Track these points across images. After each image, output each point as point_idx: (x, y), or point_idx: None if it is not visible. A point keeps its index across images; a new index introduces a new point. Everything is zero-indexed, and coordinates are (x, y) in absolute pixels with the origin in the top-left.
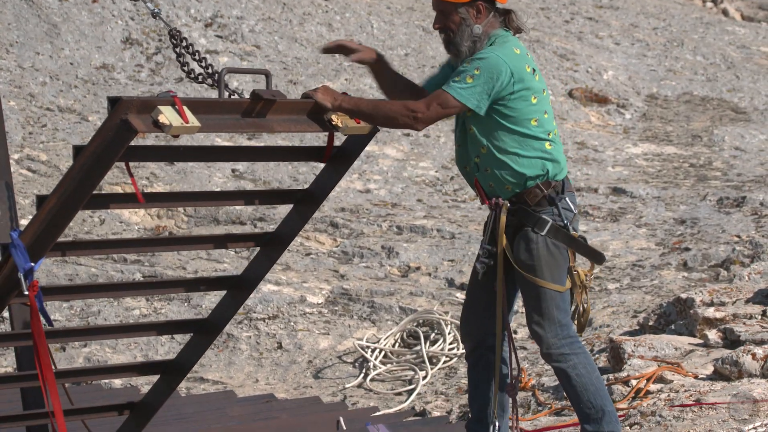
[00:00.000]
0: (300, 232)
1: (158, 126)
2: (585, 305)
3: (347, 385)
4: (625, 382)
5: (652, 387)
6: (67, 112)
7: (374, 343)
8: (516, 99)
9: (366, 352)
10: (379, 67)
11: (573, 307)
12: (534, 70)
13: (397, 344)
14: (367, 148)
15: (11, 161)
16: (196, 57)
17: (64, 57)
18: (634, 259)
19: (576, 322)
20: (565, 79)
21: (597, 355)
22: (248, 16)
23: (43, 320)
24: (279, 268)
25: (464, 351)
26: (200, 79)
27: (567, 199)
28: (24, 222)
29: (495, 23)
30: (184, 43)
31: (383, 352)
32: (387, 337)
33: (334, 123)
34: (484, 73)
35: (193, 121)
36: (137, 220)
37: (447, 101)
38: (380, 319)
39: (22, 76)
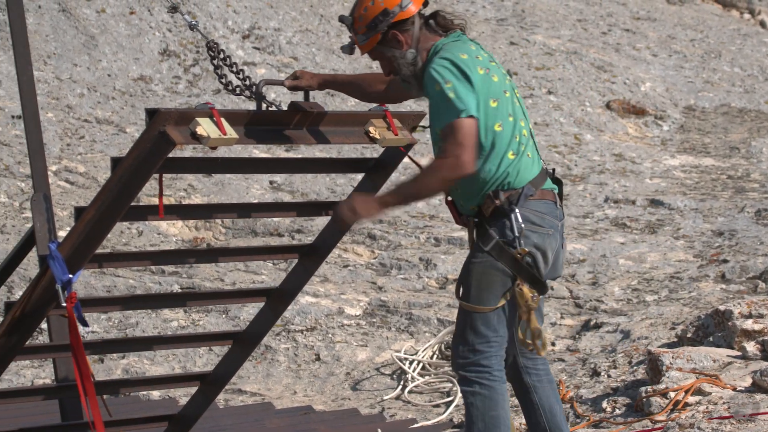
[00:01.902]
0: (338, 244)
1: (196, 138)
2: (531, 326)
3: (385, 397)
4: (664, 394)
5: (691, 399)
6: (105, 124)
7: (412, 354)
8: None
9: (404, 364)
10: (332, 86)
11: (522, 331)
12: (488, 71)
13: (435, 356)
14: (405, 159)
15: (49, 173)
16: (234, 69)
17: (101, 69)
18: (672, 271)
19: (527, 345)
20: (602, 91)
21: (635, 367)
22: (286, 27)
23: (81, 329)
24: (317, 279)
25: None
26: (238, 91)
27: (527, 210)
28: (62, 234)
29: (428, 36)
30: (221, 55)
31: (421, 364)
32: (425, 349)
33: (372, 135)
34: (452, 81)
35: (230, 132)
36: (175, 232)
37: (461, 126)
38: (418, 330)
39: (59, 88)
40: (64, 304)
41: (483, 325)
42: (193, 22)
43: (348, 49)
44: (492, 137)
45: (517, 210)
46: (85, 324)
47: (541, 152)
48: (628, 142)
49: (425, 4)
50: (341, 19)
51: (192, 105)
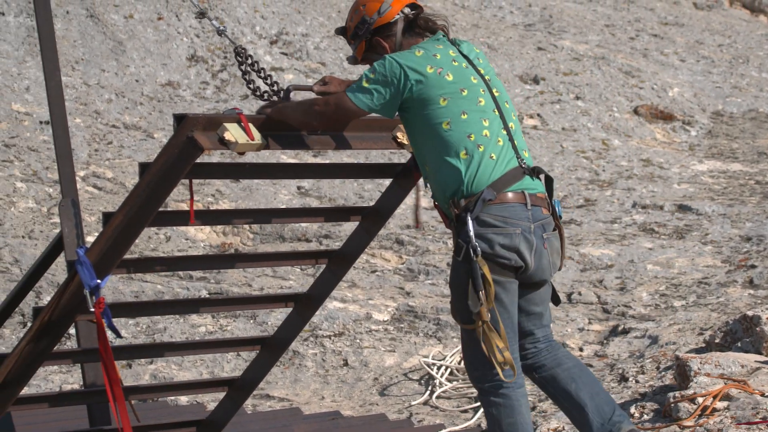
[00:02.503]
0: (366, 250)
1: (224, 143)
2: (493, 347)
3: (413, 403)
4: (692, 399)
5: (719, 405)
6: (133, 129)
7: (440, 360)
8: (418, 101)
9: (432, 369)
10: None
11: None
12: (441, 70)
13: (463, 361)
14: None
15: (77, 178)
16: (261, 74)
17: (129, 74)
18: (699, 277)
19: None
20: (630, 96)
21: (663, 373)
22: (313, 33)
23: (110, 334)
24: (345, 285)
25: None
26: (266, 96)
27: (486, 215)
28: (90, 239)
29: (410, 40)
30: (249, 60)
31: (449, 369)
32: (453, 354)
33: (400, 140)
34: (379, 76)
35: (258, 138)
36: (203, 237)
37: (343, 102)
38: (446, 336)
39: (87, 94)
40: (92, 310)
41: (477, 341)
42: (221, 28)
43: (352, 60)
44: (440, 133)
45: (469, 216)
46: (115, 332)
47: (568, 158)
48: (656, 148)
49: (413, 7)
50: (336, 31)
51: (220, 111)
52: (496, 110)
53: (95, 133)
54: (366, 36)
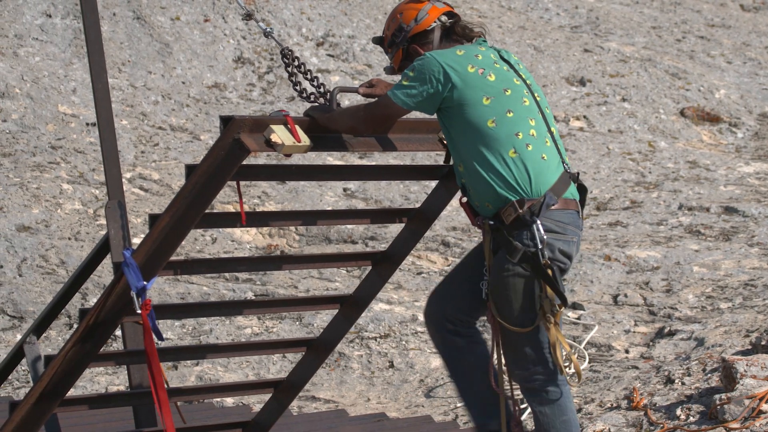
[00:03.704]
0: (411, 252)
1: (270, 145)
2: (562, 344)
3: (459, 405)
4: (738, 401)
5: (765, 407)
6: (179, 131)
7: None
8: (457, 100)
9: None
10: None
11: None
12: (483, 70)
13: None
14: None
15: (124, 180)
16: (308, 76)
17: (176, 76)
18: (746, 279)
19: (559, 365)
20: (676, 98)
21: (709, 375)
22: (359, 35)
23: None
24: (390, 287)
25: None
26: (312, 98)
27: (548, 220)
28: (136, 241)
29: (448, 46)
30: (296, 62)
31: None
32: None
33: (445, 142)
34: (418, 73)
35: (304, 140)
36: (249, 239)
37: (386, 104)
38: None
39: (134, 95)
40: (139, 311)
41: (528, 342)
42: (268, 29)
43: (390, 70)
44: (484, 132)
45: (538, 221)
46: (158, 335)
47: (615, 159)
48: (702, 150)
49: (450, 15)
50: (374, 40)
51: (266, 113)
52: (540, 112)
53: (141, 135)
54: (403, 44)
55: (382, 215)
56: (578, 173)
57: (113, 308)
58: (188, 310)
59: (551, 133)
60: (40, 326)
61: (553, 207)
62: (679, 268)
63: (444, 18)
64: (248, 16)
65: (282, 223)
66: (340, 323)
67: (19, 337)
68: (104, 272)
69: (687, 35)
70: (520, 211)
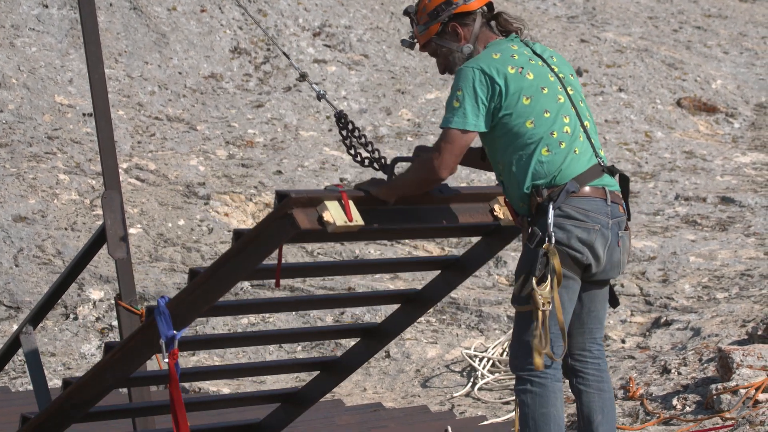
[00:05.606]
0: (407, 241)
1: (321, 223)
2: (540, 332)
3: (455, 394)
4: (734, 391)
5: (761, 397)
6: (176, 122)
7: (482, 352)
8: (505, 103)
9: (474, 361)
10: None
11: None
12: (522, 69)
13: (504, 353)
14: None
15: (120, 170)
16: (363, 140)
17: (172, 66)
18: (742, 269)
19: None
20: (673, 88)
21: (706, 365)
22: (356, 25)
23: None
24: (387, 277)
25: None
26: (366, 163)
27: (569, 206)
28: (132, 231)
29: (488, 33)
30: (350, 126)
31: (491, 361)
32: (495, 346)
33: (495, 214)
34: (463, 89)
35: (357, 219)
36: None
37: (450, 136)
38: (488, 328)
39: (130, 86)
40: (166, 360)
41: (524, 327)
42: (322, 92)
43: (408, 43)
44: (523, 131)
45: (550, 206)
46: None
47: (611, 150)
48: (699, 140)
49: (489, 6)
50: (406, 10)
51: (262, 103)
52: (573, 107)
53: (138, 125)
54: (445, 19)
55: (423, 263)
56: (614, 166)
57: (138, 350)
58: (215, 343)
59: (584, 127)
60: (37, 316)
61: (575, 194)
62: (676, 258)
63: (485, 9)
64: (303, 77)
65: (317, 275)
66: (361, 350)
67: (15, 327)
68: (100, 263)
69: (684, 25)
70: (539, 199)
